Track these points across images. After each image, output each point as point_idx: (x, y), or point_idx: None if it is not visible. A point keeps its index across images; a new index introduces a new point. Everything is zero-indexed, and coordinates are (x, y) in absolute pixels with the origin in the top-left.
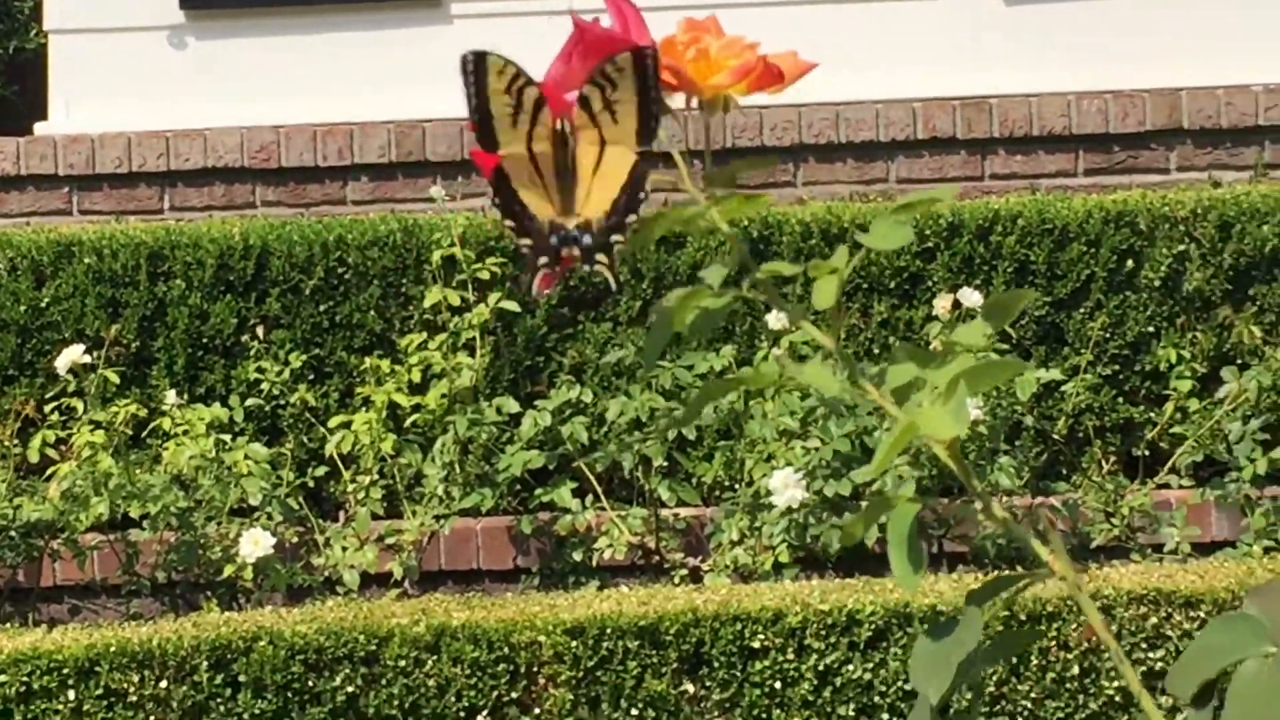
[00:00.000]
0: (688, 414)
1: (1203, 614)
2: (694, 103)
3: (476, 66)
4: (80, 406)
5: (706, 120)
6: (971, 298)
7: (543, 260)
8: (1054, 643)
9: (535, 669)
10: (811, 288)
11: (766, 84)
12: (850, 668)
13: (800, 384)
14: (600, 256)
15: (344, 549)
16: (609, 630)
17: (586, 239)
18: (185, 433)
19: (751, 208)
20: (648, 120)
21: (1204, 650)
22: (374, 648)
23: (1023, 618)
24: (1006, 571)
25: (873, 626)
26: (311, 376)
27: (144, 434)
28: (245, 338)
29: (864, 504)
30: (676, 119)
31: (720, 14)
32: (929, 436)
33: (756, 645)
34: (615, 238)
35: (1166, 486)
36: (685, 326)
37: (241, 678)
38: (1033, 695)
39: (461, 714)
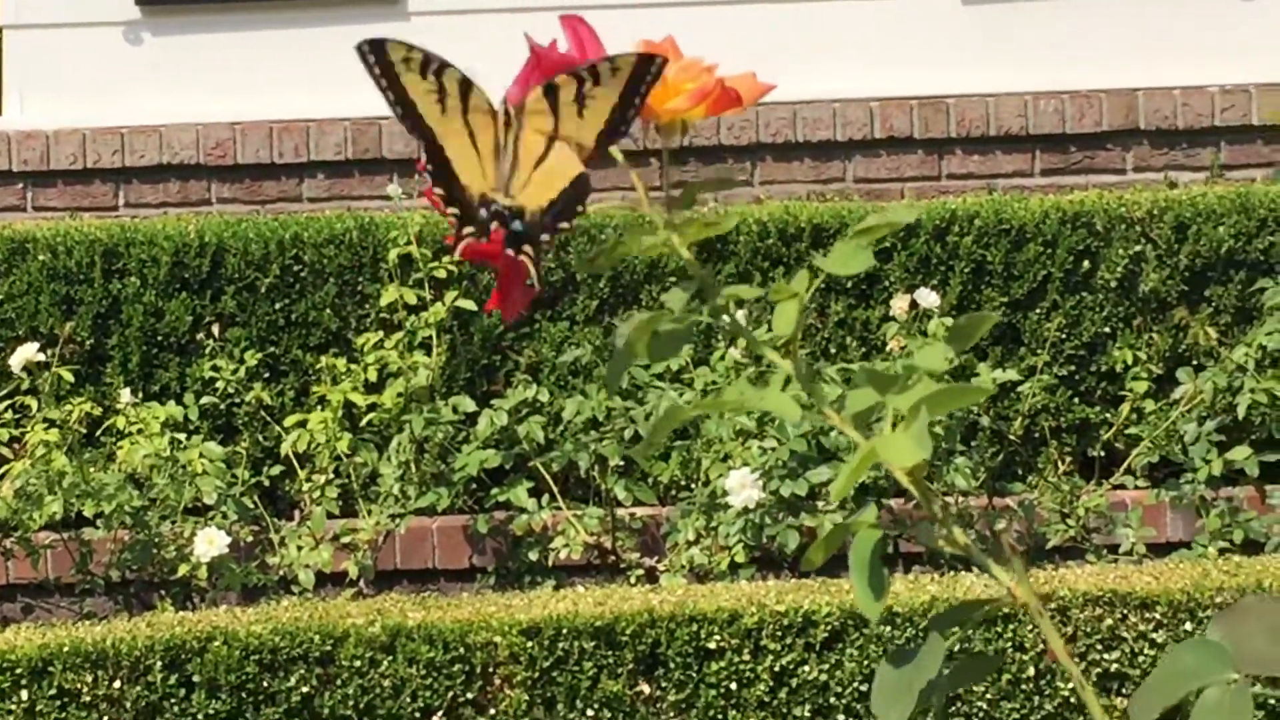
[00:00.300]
0: (651, 440)
1: (1158, 615)
2: (650, 126)
3: (377, 56)
4: (34, 405)
5: (664, 144)
6: (928, 298)
7: (468, 230)
8: (1010, 644)
9: (491, 669)
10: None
11: (724, 107)
12: (806, 669)
13: (761, 408)
14: (527, 248)
15: (299, 548)
16: (565, 631)
17: (517, 224)
18: (140, 431)
19: (714, 231)
20: (617, 126)
21: (1167, 676)
22: (329, 648)
23: (978, 620)
24: (961, 572)
25: (829, 628)
26: (267, 375)
27: (98, 432)
28: (200, 336)
29: (819, 505)
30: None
31: (678, 12)
32: (890, 463)
33: (713, 646)
34: (544, 237)
35: (1122, 487)
36: (646, 352)
37: (196, 678)
38: (988, 696)
39: (417, 714)
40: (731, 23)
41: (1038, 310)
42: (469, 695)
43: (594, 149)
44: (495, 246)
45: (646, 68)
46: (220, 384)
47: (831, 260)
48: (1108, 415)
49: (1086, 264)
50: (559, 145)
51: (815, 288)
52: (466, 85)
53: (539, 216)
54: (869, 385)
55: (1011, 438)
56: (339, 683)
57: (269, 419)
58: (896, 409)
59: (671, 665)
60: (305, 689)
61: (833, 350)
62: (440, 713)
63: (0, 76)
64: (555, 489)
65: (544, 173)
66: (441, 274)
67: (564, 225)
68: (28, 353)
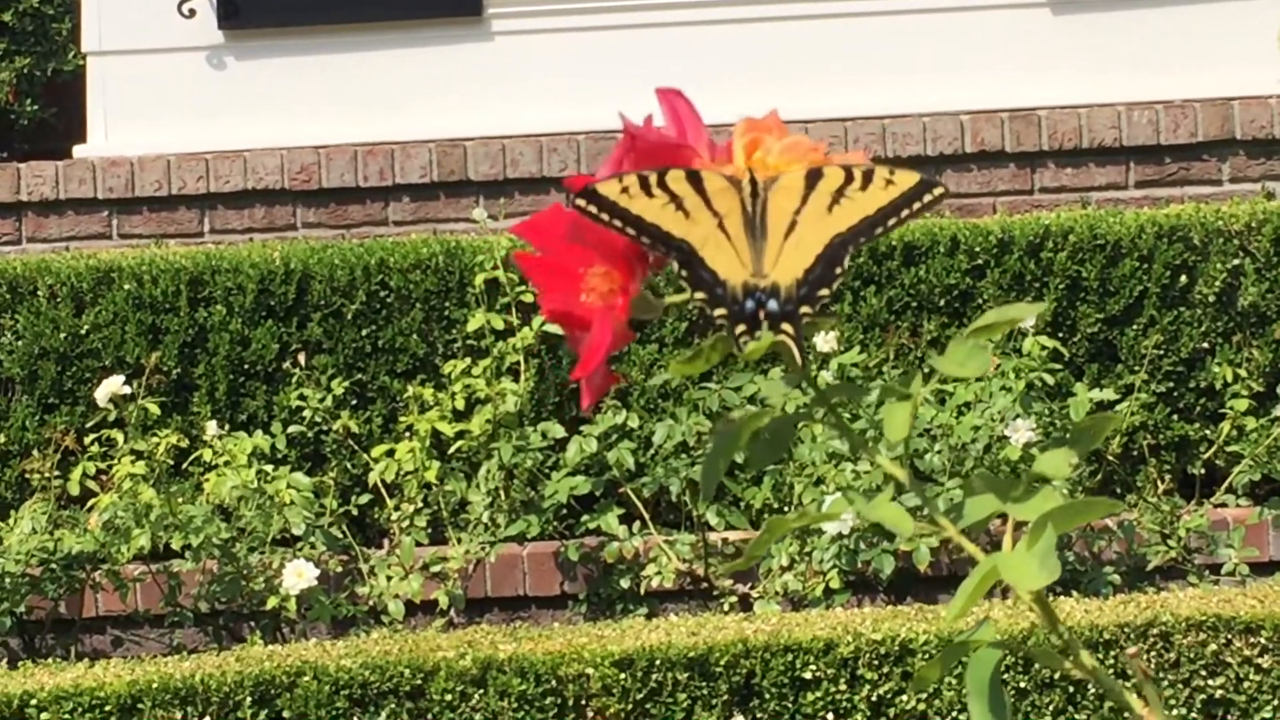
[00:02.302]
0: (755, 548)
1: (1263, 640)
2: None
3: (599, 204)
4: (120, 438)
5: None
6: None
7: (740, 329)
8: (1110, 670)
9: (583, 701)
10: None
11: None
12: (904, 698)
13: (872, 519)
14: (786, 326)
15: (389, 578)
16: (658, 662)
17: (773, 303)
18: (227, 463)
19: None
20: (857, 237)
21: None
22: (420, 682)
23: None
24: (1060, 595)
25: (926, 656)
26: (354, 402)
27: (185, 464)
28: (287, 364)
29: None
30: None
31: (769, 28)
32: (1013, 585)
33: (808, 676)
34: (804, 309)
35: (1223, 506)
36: (748, 450)
37: (286, 714)
38: None
39: None
40: (819, 38)
41: (1134, 326)
42: None
43: (826, 249)
44: (589, 311)
45: (920, 193)
46: (307, 412)
47: (947, 362)
48: (1207, 433)
49: (1184, 278)
50: (805, 215)
51: (906, 328)
52: (695, 177)
53: (795, 290)
54: (988, 492)
55: (1110, 457)
56: (430, 717)
57: (356, 447)
58: (1017, 518)
59: (767, 696)
60: None
61: (926, 370)
62: None
63: (85, 104)
64: (646, 515)
65: (794, 244)
66: (528, 298)
67: (823, 293)
68: (113, 385)
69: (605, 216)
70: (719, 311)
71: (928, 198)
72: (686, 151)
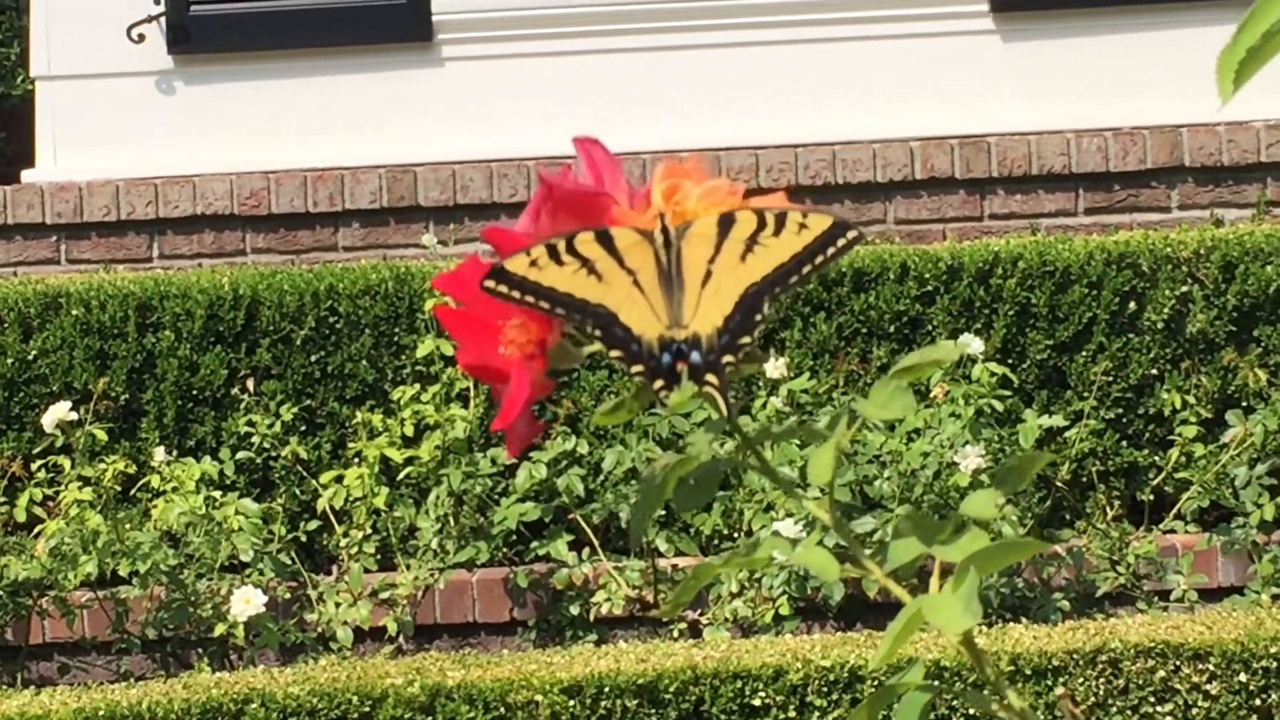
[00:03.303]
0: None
1: (1211, 666)
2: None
3: (509, 282)
4: (68, 464)
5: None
6: (973, 344)
7: (659, 384)
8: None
9: None
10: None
11: None
12: None
13: (798, 562)
14: (710, 377)
15: (337, 605)
16: (607, 689)
17: (695, 356)
18: (175, 489)
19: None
20: (773, 286)
21: None
22: (368, 709)
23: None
24: (1010, 621)
25: (875, 683)
26: (303, 428)
27: (133, 490)
28: (235, 390)
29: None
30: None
31: (714, 55)
32: (938, 627)
33: (757, 703)
34: (727, 358)
35: (1172, 532)
36: (673, 496)
37: None
38: None
39: None
40: (768, 64)
41: (1083, 353)
42: None
43: (740, 300)
44: (506, 363)
45: (834, 238)
46: (256, 439)
47: (870, 404)
48: (1156, 459)
49: (1132, 305)
50: (719, 263)
51: (854, 366)
52: (606, 237)
53: (716, 339)
54: (914, 534)
55: (1059, 483)
56: None
57: (305, 473)
58: (944, 561)
59: None
60: None
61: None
62: None
63: (34, 129)
64: (596, 541)
65: (712, 293)
66: None
67: (744, 341)
68: (60, 412)
69: (516, 294)
70: (635, 369)
71: (841, 242)
72: (604, 199)
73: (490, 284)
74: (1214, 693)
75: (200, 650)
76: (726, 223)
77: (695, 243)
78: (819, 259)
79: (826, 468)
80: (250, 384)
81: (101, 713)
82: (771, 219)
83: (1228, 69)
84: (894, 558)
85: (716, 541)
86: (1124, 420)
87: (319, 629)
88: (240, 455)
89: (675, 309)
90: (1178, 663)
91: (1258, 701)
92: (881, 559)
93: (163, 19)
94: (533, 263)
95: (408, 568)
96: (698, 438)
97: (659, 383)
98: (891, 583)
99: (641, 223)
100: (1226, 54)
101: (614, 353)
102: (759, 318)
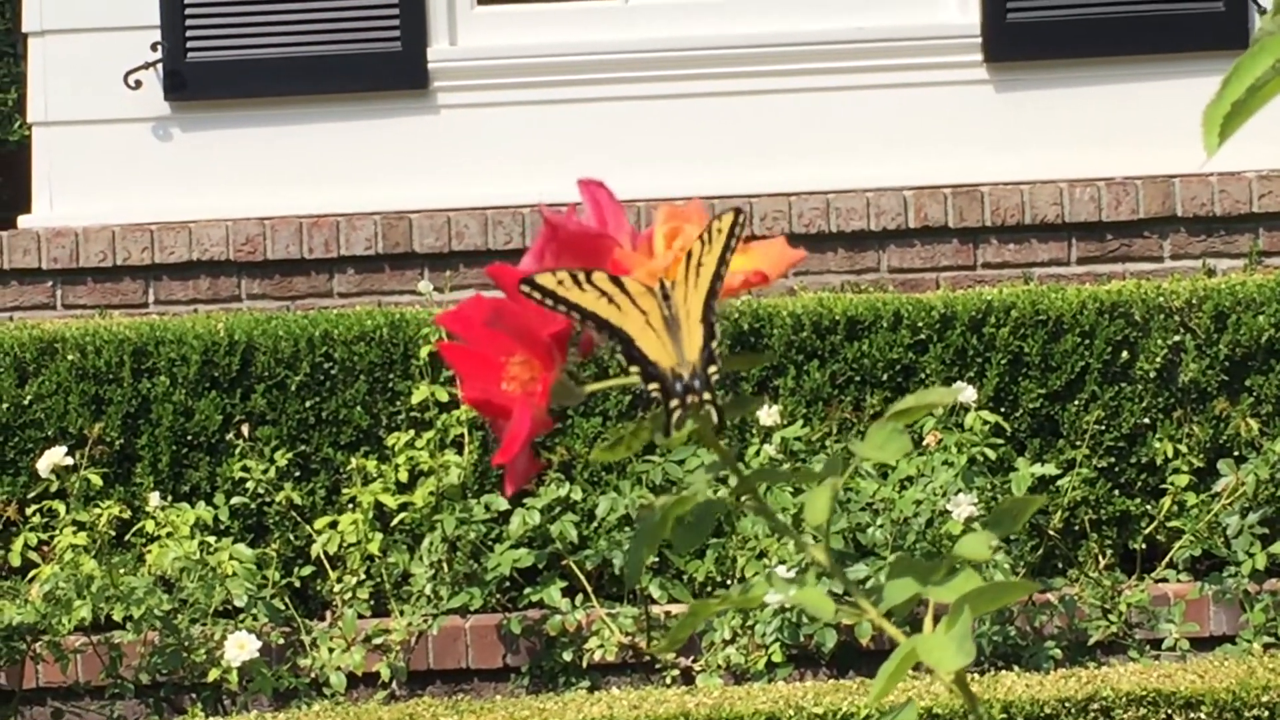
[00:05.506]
0: (678, 631)
1: (1203, 715)
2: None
3: (541, 291)
4: (62, 508)
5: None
6: (966, 393)
7: (674, 404)
8: None
9: None
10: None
11: (752, 285)
12: None
13: (794, 602)
14: (706, 396)
15: (331, 650)
16: None
17: (697, 383)
18: (169, 534)
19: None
20: (715, 292)
21: None
22: None
23: None
24: (1002, 669)
25: None
26: (298, 474)
27: (128, 535)
28: (230, 435)
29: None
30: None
31: (718, 102)
32: (931, 666)
33: None
34: (711, 369)
35: (1164, 581)
36: (672, 535)
37: None
38: None
39: None
40: (762, 113)
41: (1076, 402)
42: None
43: (701, 319)
44: (509, 399)
45: (734, 229)
46: (250, 484)
47: (867, 446)
48: (1148, 508)
49: (1125, 354)
50: (689, 294)
51: (846, 403)
52: (618, 281)
53: (700, 361)
54: (908, 575)
55: (1051, 532)
56: None
57: (300, 519)
58: (937, 604)
59: None
60: None
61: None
62: None
63: (30, 174)
64: (589, 587)
65: (693, 324)
66: None
67: (711, 369)
68: (56, 456)
69: (549, 302)
70: (653, 386)
71: (737, 229)
72: (607, 241)
73: (526, 289)
74: None
75: (194, 695)
76: (688, 258)
77: (679, 288)
78: (728, 254)
79: (823, 509)
80: (245, 429)
81: None
82: (703, 236)
83: (1213, 123)
84: (889, 598)
85: (709, 589)
86: (1116, 469)
87: (312, 674)
88: (235, 500)
89: (679, 350)
90: (1169, 711)
91: None
92: (876, 600)
93: (160, 66)
94: (559, 282)
95: (401, 613)
96: (696, 478)
97: (674, 401)
98: (886, 622)
99: (642, 265)
100: (1211, 108)
101: (633, 368)
102: (714, 341)
